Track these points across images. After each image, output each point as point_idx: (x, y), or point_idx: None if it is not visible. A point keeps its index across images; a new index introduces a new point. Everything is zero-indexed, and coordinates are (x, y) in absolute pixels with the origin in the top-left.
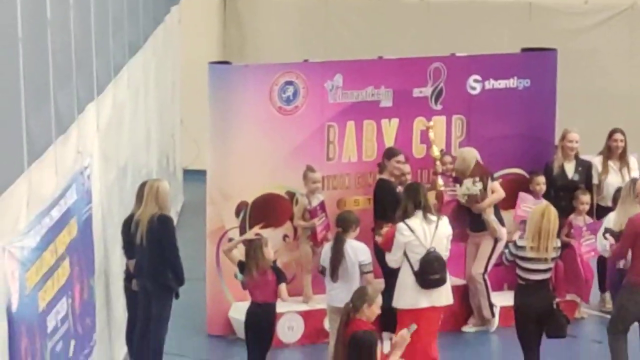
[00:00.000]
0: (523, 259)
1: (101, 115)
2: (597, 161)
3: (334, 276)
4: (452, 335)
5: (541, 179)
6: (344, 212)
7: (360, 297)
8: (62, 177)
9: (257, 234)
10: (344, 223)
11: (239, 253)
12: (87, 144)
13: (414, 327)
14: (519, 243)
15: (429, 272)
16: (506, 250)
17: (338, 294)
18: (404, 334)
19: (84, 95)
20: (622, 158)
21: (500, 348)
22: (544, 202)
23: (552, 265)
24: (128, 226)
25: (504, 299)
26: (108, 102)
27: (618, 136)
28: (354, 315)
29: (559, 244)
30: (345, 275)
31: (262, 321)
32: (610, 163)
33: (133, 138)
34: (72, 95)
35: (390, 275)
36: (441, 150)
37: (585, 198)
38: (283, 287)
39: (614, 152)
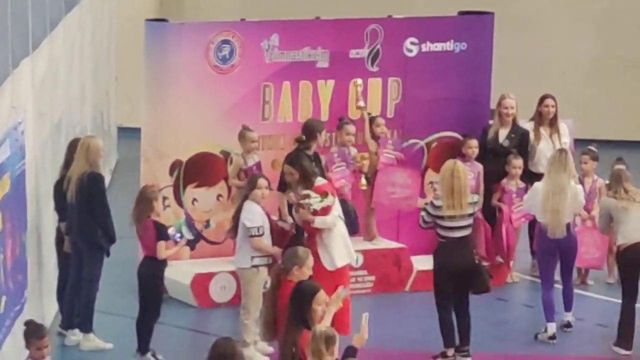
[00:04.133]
0: (442, 217)
1: (36, 71)
2: (528, 127)
3: (232, 233)
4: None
5: (473, 142)
6: (255, 173)
7: (290, 259)
8: None
9: (151, 185)
10: (249, 182)
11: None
12: (22, 99)
13: (344, 291)
14: (436, 203)
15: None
16: (423, 213)
17: (235, 256)
18: (340, 292)
19: (18, 50)
20: (553, 124)
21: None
22: (452, 160)
23: (470, 221)
24: (60, 187)
25: (421, 263)
26: (43, 58)
27: (549, 102)
28: (285, 277)
29: (475, 199)
30: (239, 236)
31: (146, 276)
32: (541, 129)
33: (68, 94)
34: (7, 50)
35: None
36: (370, 114)
37: (517, 162)
38: (161, 244)
39: (545, 117)
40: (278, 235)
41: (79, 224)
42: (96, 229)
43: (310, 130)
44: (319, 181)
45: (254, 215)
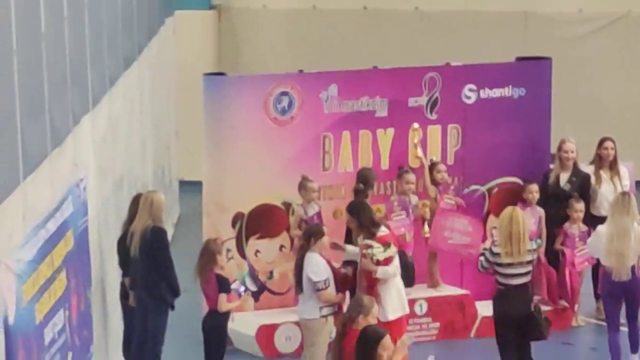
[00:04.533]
0: (500, 265)
1: (96, 128)
2: (589, 170)
3: (298, 288)
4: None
5: (534, 187)
6: (313, 224)
7: (356, 308)
8: (58, 190)
9: (214, 239)
10: (307, 234)
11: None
12: (83, 156)
13: (410, 339)
14: (494, 250)
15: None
16: (482, 258)
17: (300, 307)
18: (405, 340)
19: (79, 107)
20: (613, 167)
21: (480, 358)
22: (511, 207)
23: (529, 268)
24: (124, 242)
25: (485, 309)
26: (103, 115)
27: (608, 144)
28: (350, 326)
29: (534, 246)
30: (305, 289)
31: (209, 328)
32: (602, 172)
33: (129, 150)
34: (67, 107)
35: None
36: (432, 160)
37: (579, 206)
38: (222, 297)
39: (604, 160)
40: (341, 281)
41: (144, 278)
42: (160, 282)
43: (366, 178)
44: (382, 231)
45: (319, 268)
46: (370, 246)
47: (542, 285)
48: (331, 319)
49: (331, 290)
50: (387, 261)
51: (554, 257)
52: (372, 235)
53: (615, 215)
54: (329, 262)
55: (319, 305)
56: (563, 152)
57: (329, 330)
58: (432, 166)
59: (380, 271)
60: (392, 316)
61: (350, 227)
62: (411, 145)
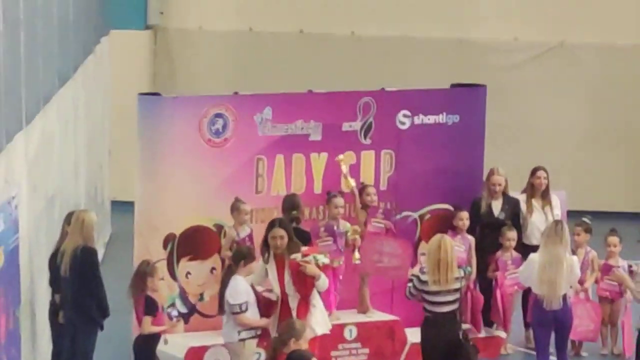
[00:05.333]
0: (428, 292)
1: (29, 145)
2: (520, 199)
3: (220, 310)
4: None
5: (464, 214)
6: (243, 246)
7: (288, 331)
8: None
9: (147, 261)
10: (234, 256)
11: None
12: (15, 174)
13: None
14: (422, 278)
15: None
16: (410, 285)
17: (222, 329)
18: None
19: (12, 124)
20: (545, 196)
21: None
22: (439, 234)
23: (457, 296)
24: (54, 260)
25: (415, 335)
26: (37, 132)
27: (541, 174)
28: (281, 349)
29: (462, 274)
30: (226, 311)
31: (138, 350)
32: (534, 201)
33: (61, 168)
34: (0, 124)
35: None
36: (362, 184)
37: (512, 234)
38: (147, 319)
39: (537, 189)
40: (265, 306)
41: (73, 298)
42: (90, 303)
43: (296, 204)
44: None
45: (237, 292)
46: (307, 255)
47: (466, 311)
48: (251, 342)
49: (250, 315)
50: (323, 270)
51: (487, 285)
52: (298, 251)
53: (548, 244)
54: (253, 287)
55: (237, 329)
56: (491, 184)
57: (249, 353)
58: (362, 189)
59: (323, 279)
60: (320, 330)
61: (276, 242)
62: (342, 176)
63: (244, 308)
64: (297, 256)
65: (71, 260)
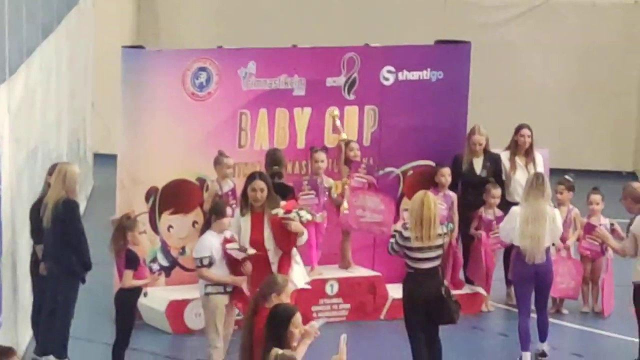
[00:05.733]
0: (410, 249)
1: (12, 97)
2: (504, 156)
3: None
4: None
5: (446, 170)
6: (217, 201)
7: (269, 286)
8: None
9: (127, 215)
10: (210, 211)
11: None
12: None
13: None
14: (404, 234)
15: None
16: (392, 240)
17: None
18: (314, 324)
19: None
20: (529, 154)
21: (389, 340)
22: (423, 191)
23: (439, 252)
24: (37, 210)
25: (396, 291)
26: (19, 84)
27: (525, 132)
28: (262, 304)
29: (444, 230)
30: None
31: (119, 303)
32: (517, 159)
33: (44, 120)
34: None
35: None
36: (346, 139)
37: (496, 192)
38: (128, 273)
39: (520, 147)
40: (232, 263)
41: (54, 251)
42: (71, 255)
43: (278, 160)
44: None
45: (201, 246)
46: (289, 211)
47: (447, 269)
48: (218, 298)
49: (215, 270)
50: (307, 225)
51: (469, 242)
52: (277, 205)
53: (529, 198)
54: (224, 243)
55: (205, 283)
56: (472, 142)
57: (214, 308)
58: (345, 144)
59: (305, 235)
60: (300, 285)
61: (256, 195)
62: (336, 130)
63: (205, 262)
64: (278, 211)
65: (53, 212)
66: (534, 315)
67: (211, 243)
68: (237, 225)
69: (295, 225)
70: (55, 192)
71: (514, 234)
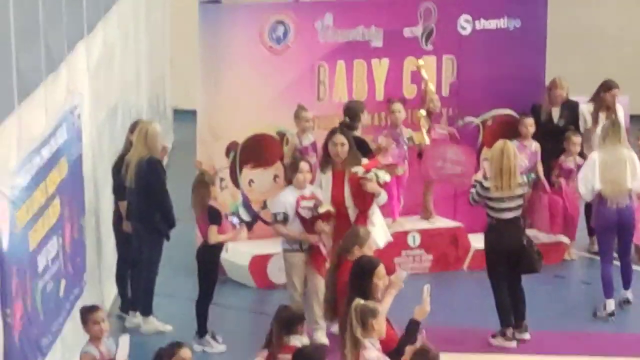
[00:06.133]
0: (491, 199)
1: (91, 54)
2: (586, 109)
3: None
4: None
5: (530, 120)
6: (296, 158)
7: (351, 239)
8: (53, 116)
9: (203, 172)
10: (290, 166)
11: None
12: (78, 83)
13: (404, 272)
14: (485, 184)
15: None
16: (473, 191)
17: None
18: (400, 274)
19: (73, 33)
20: (613, 110)
21: (472, 290)
22: (502, 140)
23: (520, 202)
24: (118, 168)
25: (478, 241)
26: (98, 41)
27: (615, 91)
28: (345, 257)
29: (525, 179)
30: None
31: (202, 259)
32: (600, 114)
33: (123, 77)
34: (62, 33)
35: None
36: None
37: (576, 139)
38: (212, 229)
39: (607, 105)
40: (305, 221)
41: (139, 209)
42: (155, 213)
43: (352, 111)
44: (364, 161)
45: (277, 202)
46: (369, 170)
47: (544, 217)
48: (293, 255)
49: (291, 227)
50: (384, 186)
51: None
52: (359, 162)
53: (607, 144)
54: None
55: (282, 239)
56: (553, 96)
57: (289, 265)
58: (425, 96)
59: (383, 195)
60: (381, 244)
61: (337, 149)
62: (422, 82)
63: (279, 218)
64: (358, 169)
65: (136, 171)
66: (617, 263)
67: (286, 199)
68: (318, 181)
69: (371, 186)
70: (137, 151)
71: (595, 179)
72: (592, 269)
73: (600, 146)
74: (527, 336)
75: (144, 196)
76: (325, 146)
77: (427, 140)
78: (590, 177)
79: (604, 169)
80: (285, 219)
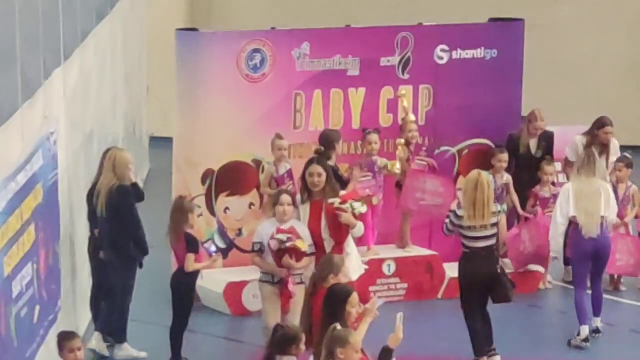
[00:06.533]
0: (464, 228)
1: (68, 81)
2: (579, 141)
3: None
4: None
5: (504, 156)
6: (280, 189)
7: (326, 266)
8: (29, 142)
9: (182, 196)
10: (273, 198)
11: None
12: (54, 110)
13: (379, 300)
14: (458, 213)
15: None
16: (447, 221)
17: None
18: (375, 302)
19: (51, 60)
20: (607, 146)
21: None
22: (477, 171)
23: (494, 231)
24: (92, 196)
25: (453, 270)
26: (75, 68)
27: (608, 129)
28: (321, 284)
29: (499, 208)
30: None
31: (177, 286)
32: (593, 148)
33: (100, 104)
34: (39, 60)
35: None
36: (404, 119)
37: (550, 169)
38: (190, 257)
39: (601, 142)
40: (275, 254)
41: (111, 238)
42: (128, 241)
43: (327, 140)
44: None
45: (257, 232)
46: (345, 201)
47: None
48: (265, 286)
49: (267, 258)
50: (360, 218)
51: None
52: (336, 194)
53: (581, 175)
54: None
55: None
56: (532, 128)
57: (263, 295)
58: (404, 125)
59: (359, 227)
60: (355, 276)
61: (314, 180)
62: (403, 110)
63: (256, 248)
64: (335, 201)
65: (107, 200)
66: (589, 291)
67: (264, 230)
68: (298, 213)
69: (346, 217)
70: (107, 179)
71: (570, 207)
72: (567, 298)
73: (575, 177)
74: (498, 359)
75: (116, 224)
76: (304, 177)
77: (398, 169)
78: (564, 205)
79: (578, 199)
80: (261, 250)
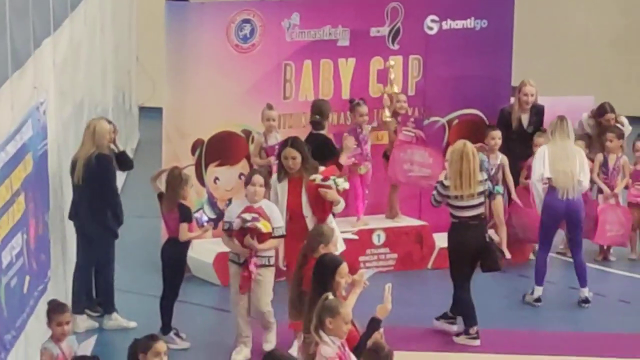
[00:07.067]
0: (451, 197)
1: (57, 51)
2: (585, 120)
3: None
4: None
5: (497, 133)
6: (253, 169)
7: (315, 237)
8: (18, 112)
9: (175, 167)
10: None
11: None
12: (44, 80)
13: (367, 271)
14: (445, 183)
15: None
16: (434, 192)
17: None
18: (362, 272)
19: (40, 30)
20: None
21: (437, 289)
22: (462, 141)
23: (482, 199)
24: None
25: (443, 240)
26: (65, 38)
27: (610, 116)
28: (311, 255)
29: (485, 176)
30: None
31: (168, 256)
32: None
33: (89, 74)
34: (28, 30)
35: None
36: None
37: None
38: (184, 226)
39: (606, 128)
40: (239, 232)
41: (90, 207)
42: (106, 211)
43: (320, 110)
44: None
45: (227, 210)
46: (327, 178)
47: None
48: (232, 265)
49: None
50: (342, 194)
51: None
52: (316, 171)
53: (556, 138)
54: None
55: None
56: (522, 94)
57: (230, 274)
58: (390, 97)
59: (342, 203)
60: (340, 248)
61: (288, 163)
62: (389, 81)
63: (225, 227)
64: (316, 177)
65: (84, 169)
66: (570, 260)
67: (234, 209)
68: (274, 190)
69: (332, 194)
70: (85, 148)
71: (545, 169)
72: (557, 268)
73: (551, 140)
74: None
75: (96, 193)
76: (279, 157)
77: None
78: (538, 166)
79: (553, 160)
80: (229, 229)
